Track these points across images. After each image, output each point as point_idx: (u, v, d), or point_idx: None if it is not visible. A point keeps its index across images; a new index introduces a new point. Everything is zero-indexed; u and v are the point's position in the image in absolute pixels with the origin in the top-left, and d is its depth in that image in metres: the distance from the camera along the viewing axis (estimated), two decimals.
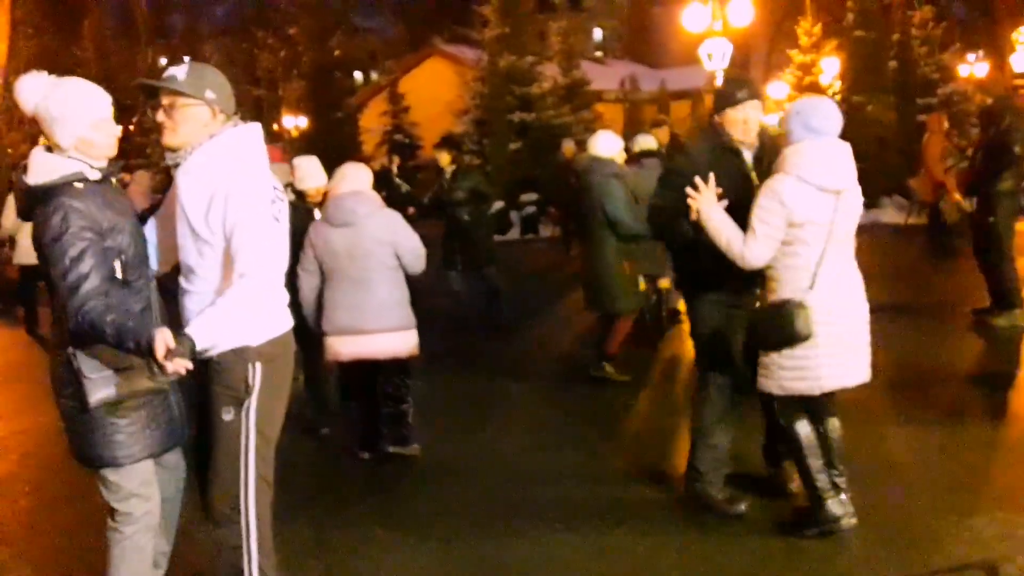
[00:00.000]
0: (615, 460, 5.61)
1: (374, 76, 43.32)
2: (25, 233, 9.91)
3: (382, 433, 5.87)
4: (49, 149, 3.24)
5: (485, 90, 23.50)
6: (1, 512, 5.44)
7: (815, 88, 22.56)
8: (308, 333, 5.69)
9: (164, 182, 10.85)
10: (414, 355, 5.68)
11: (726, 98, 4.52)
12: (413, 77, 30.86)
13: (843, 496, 4.33)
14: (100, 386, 3.15)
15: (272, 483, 3.48)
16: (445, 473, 5.55)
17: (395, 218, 5.59)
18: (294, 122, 28.51)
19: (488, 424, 6.52)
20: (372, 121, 28.33)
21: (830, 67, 22.75)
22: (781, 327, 4.15)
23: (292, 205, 6.16)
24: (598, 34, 46.91)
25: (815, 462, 4.31)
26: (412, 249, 5.54)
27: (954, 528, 4.33)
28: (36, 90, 3.19)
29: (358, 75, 41.01)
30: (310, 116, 27.46)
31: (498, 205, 20.59)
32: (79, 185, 3.17)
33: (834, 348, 4.19)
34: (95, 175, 3.22)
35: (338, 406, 6.48)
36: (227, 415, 3.32)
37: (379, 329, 5.48)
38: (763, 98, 4.63)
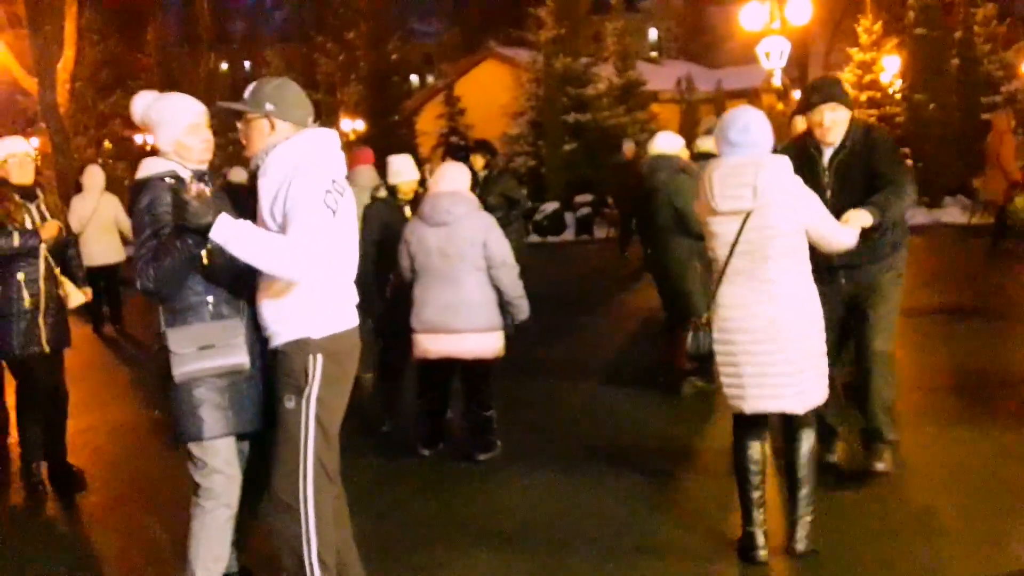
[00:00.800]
0: (676, 461, 5.61)
1: (430, 79, 43.57)
2: (90, 233, 10.14)
3: (444, 433, 5.99)
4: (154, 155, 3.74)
5: (540, 92, 23.55)
6: (70, 507, 5.59)
7: (875, 87, 22.34)
8: (393, 328, 5.78)
9: (223, 188, 11.02)
10: (499, 356, 5.72)
11: (801, 104, 4.77)
12: (469, 80, 30.92)
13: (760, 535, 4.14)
14: (184, 361, 3.50)
15: (334, 476, 3.60)
16: (503, 473, 5.59)
17: (489, 221, 5.66)
18: (351, 126, 28.75)
19: (544, 426, 6.54)
20: (428, 124, 28.44)
21: (891, 65, 22.46)
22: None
23: (383, 201, 6.36)
24: (653, 34, 46.71)
25: (751, 490, 4.13)
26: (500, 251, 5.57)
27: (1017, 531, 4.28)
28: (144, 102, 3.72)
29: (414, 78, 41.26)
30: (367, 120, 27.67)
31: (553, 206, 20.70)
32: (171, 180, 3.56)
33: (730, 368, 4.09)
34: (187, 174, 3.59)
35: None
36: (289, 403, 3.48)
37: (468, 329, 5.53)
38: (836, 97, 4.66)
